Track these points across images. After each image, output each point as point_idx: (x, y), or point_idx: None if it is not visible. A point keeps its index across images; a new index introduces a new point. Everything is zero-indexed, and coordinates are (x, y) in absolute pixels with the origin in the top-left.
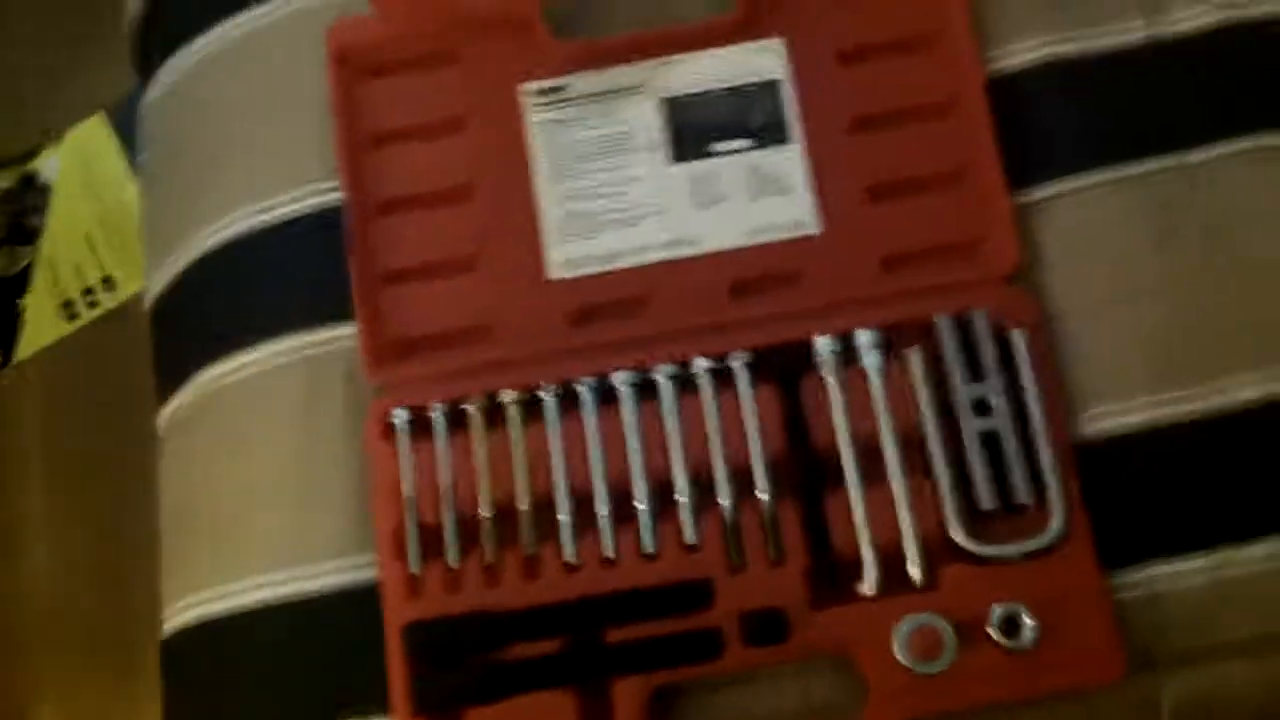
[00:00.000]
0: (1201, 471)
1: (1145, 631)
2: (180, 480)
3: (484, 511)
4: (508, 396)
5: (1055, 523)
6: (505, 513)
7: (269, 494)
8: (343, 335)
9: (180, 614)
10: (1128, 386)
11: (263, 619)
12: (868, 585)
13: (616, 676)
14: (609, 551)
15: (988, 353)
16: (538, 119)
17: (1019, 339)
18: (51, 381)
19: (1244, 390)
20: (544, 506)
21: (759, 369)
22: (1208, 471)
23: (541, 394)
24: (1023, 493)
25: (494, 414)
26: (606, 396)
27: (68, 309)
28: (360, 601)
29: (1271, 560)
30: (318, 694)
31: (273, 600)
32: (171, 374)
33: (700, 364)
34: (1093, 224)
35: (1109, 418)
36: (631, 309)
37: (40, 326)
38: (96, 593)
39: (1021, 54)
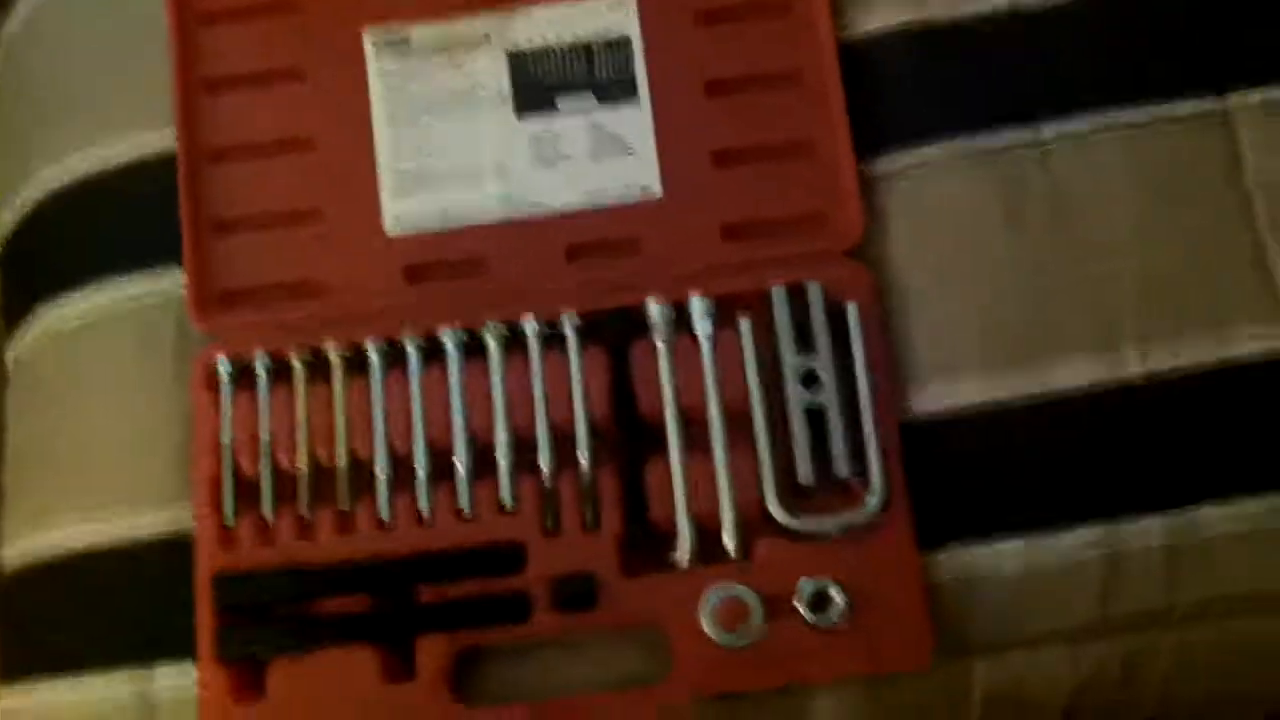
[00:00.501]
0: (1026, 454)
1: (959, 616)
2: (20, 420)
3: (300, 465)
4: (331, 350)
5: (873, 499)
6: (324, 469)
7: (101, 438)
8: (176, 282)
9: (12, 554)
10: (960, 364)
11: (88, 562)
12: (681, 555)
13: (422, 635)
14: (425, 511)
15: (819, 325)
16: (380, 69)
17: (852, 313)
18: None
19: (1076, 374)
20: (363, 464)
21: (590, 333)
22: (1032, 454)
23: (368, 349)
24: (844, 467)
25: (320, 367)
26: (435, 355)
27: None
28: (182, 550)
29: (1084, 549)
30: (137, 639)
31: (99, 544)
32: (15, 314)
33: (529, 326)
34: (941, 198)
35: (939, 396)
36: (468, 269)
37: None
38: None
39: (879, 19)
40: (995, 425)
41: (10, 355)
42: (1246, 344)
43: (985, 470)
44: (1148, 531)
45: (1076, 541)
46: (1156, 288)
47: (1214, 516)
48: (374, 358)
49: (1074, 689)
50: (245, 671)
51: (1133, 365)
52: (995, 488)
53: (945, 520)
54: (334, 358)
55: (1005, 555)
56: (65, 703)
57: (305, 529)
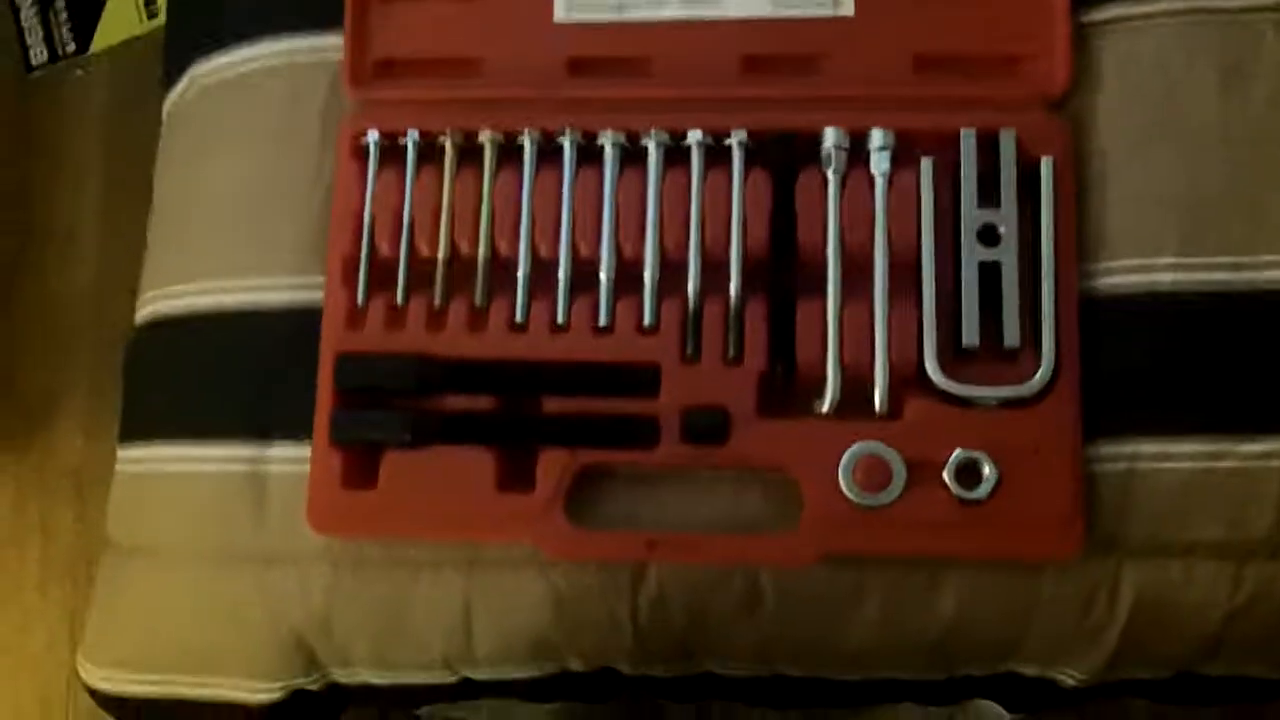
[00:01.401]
0: (1219, 350)
1: (1114, 512)
2: (167, 176)
3: (440, 252)
4: (485, 136)
5: (1041, 373)
6: (463, 259)
7: (240, 196)
8: (331, 46)
9: (144, 310)
10: (1156, 242)
11: (212, 324)
12: (824, 403)
13: (544, 446)
14: (560, 317)
15: (1007, 177)
16: None
17: (1046, 169)
18: (120, 81)
19: None
20: (504, 260)
21: (757, 153)
22: (1226, 351)
23: (522, 140)
24: (1013, 334)
25: (471, 154)
26: (590, 155)
27: (149, 6)
28: (309, 324)
29: (1269, 458)
30: (255, 411)
31: (226, 306)
32: (173, 66)
33: (694, 136)
34: (1158, 54)
35: (1128, 273)
36: (635, 67)
37: (119, 19)
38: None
39: None
40: (1188, 314)
41: (165, 110)
42: None
43: (1170, 360)
44: None
45: (1261, 449)
46: None
47: None
48: (528, 148)
49: (1230, 612)
50: (358, 457)
51: None
52: (1178, 381)
53: (1116, 407)
54: (487, 143)
55: (1178, 454)
56: (178, 471)
57: (436, 319)
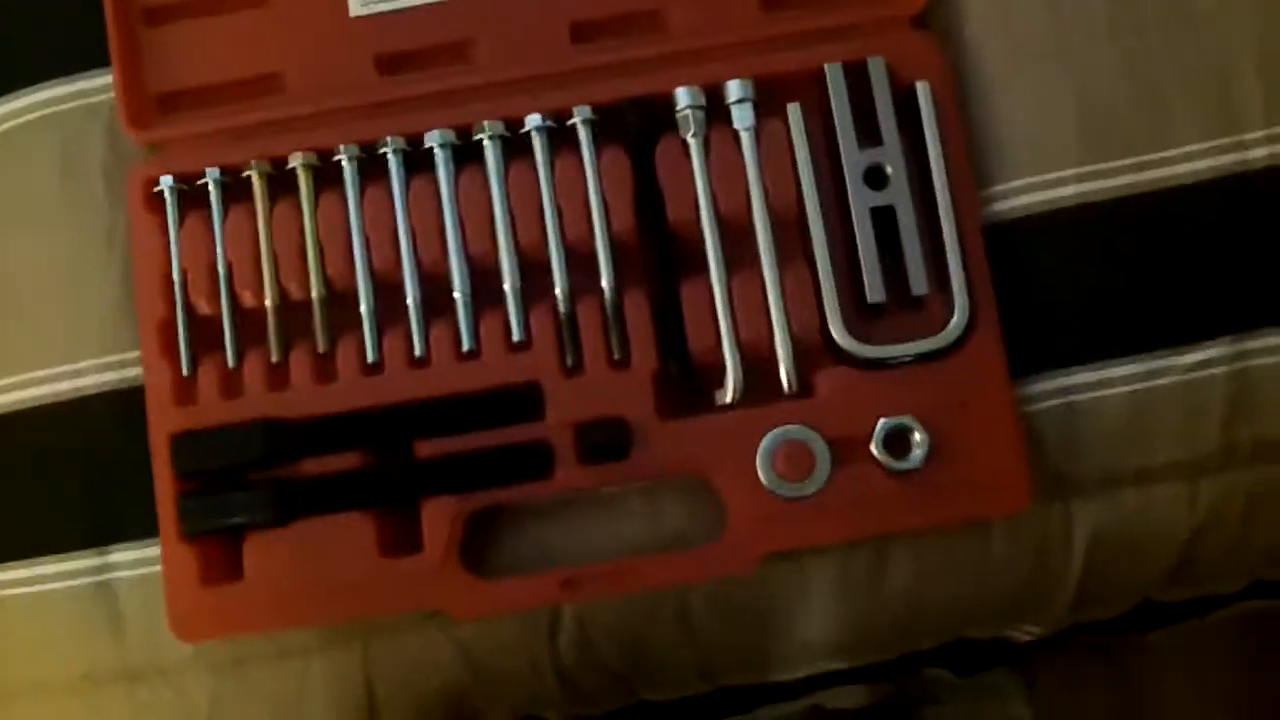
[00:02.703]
0: (1135, 261)
1: (1058, 452)
2: None
3: (268, 300)
4: (298, 160)
5: (957, 318)
6: (296, 303)
7: (26, 279)
8: (101, 87)
9: None
10: (1055, 154)
11: (22, 423)
12: (728, 392)
13: (425, 497)
14: (418, 349)
15: (885, 110)
16: None
17: (923, 93)
18: None
19: (1192, 165)
20: (343, 296)
21: (606, 128)
22: (1143, 261)
23: (340, 157)
24: (920, 282)
25: (284, 183)
26: (419, 161)
27: None
28: (132, 407)
29: (1206, 368)
30: (88, 517)
31: (33, 401)
32: None
33: (532, 121)
34: None
35: (1029, 192)
36: (452, 53)
37: None
38: None
39: None
40: (1098, 227)
41: None
42: None
43: (1087, 281)
44: None
45: (1196, 360)
46: None
47: None
48: (347, 167)
49: (1191, 532)
50: (216, 548)
51: (1257, 149)
52: (1099, 301)
53: (1041, 341)
54: (300, 168)
55: (1113, 380)
56: (16, 596)
57: (276, 376)
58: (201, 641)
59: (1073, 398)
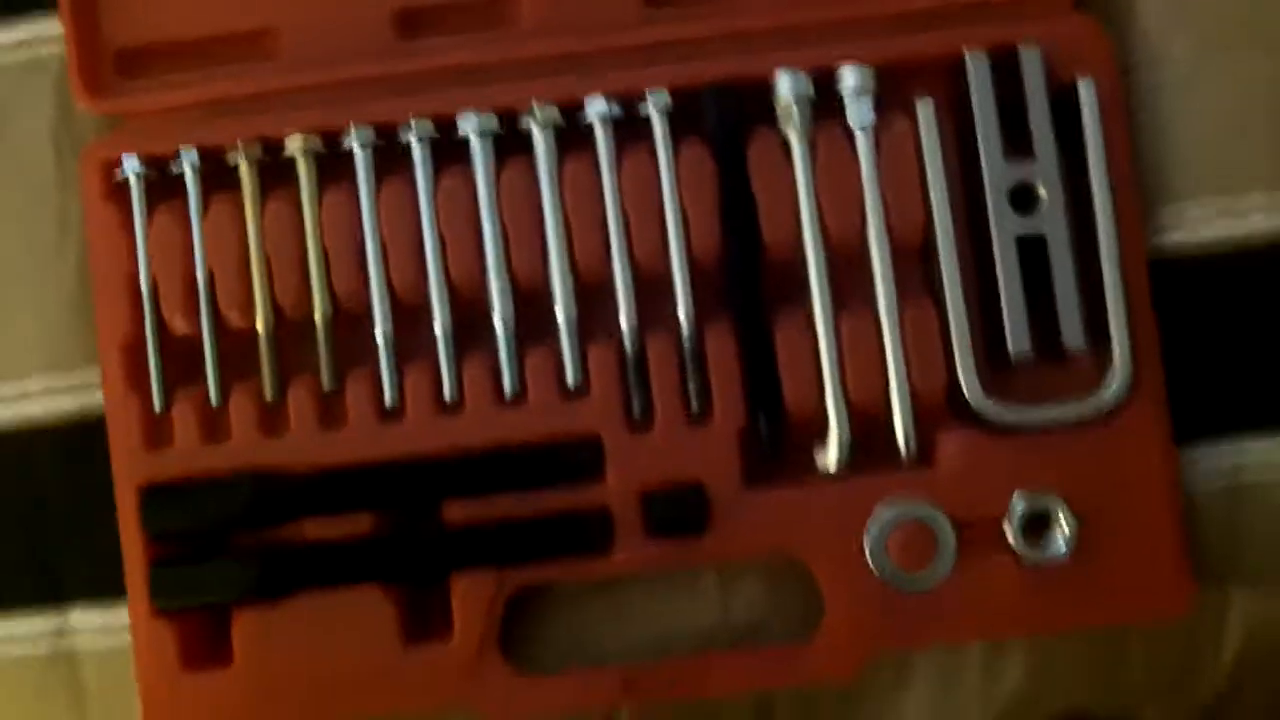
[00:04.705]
0: None
1: (1220, 539)
2: None
3: (259, 321)
4: (296, 143)
5: (1119, 381)
6: (292, 325)
7: None
8: (50, 36)
9: None
10: (1240, 175)
11: None
12: (831, 456)
13: (457, 571)
14: (448, 390)
15: (1040, 113)
16: None
17: (1086, 93)
18: None
19: None
20: (351, 317)
21: (685, 118)
22: None
23: (350, 140)
24: (1075, 333)
25: (280, 171)
26: (450, 150)
27: None
28: (89, 435)
29: None
30: (37, 562)
31: None
32: None
33: (595, 108)
34: None
35: (1207, 223)
36: (492, 14)
37: None
38: None
39: None
40: None
41: None
42: None
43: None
44: None
45: None
46: None
47: None
48: (359, 154)
49: None
50: (198, 626)
51: None
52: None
53: (1207, 403)
54: (299, 153)
55: None
56: None
57: (270, 416)
58: None
59: (1240, 479)
